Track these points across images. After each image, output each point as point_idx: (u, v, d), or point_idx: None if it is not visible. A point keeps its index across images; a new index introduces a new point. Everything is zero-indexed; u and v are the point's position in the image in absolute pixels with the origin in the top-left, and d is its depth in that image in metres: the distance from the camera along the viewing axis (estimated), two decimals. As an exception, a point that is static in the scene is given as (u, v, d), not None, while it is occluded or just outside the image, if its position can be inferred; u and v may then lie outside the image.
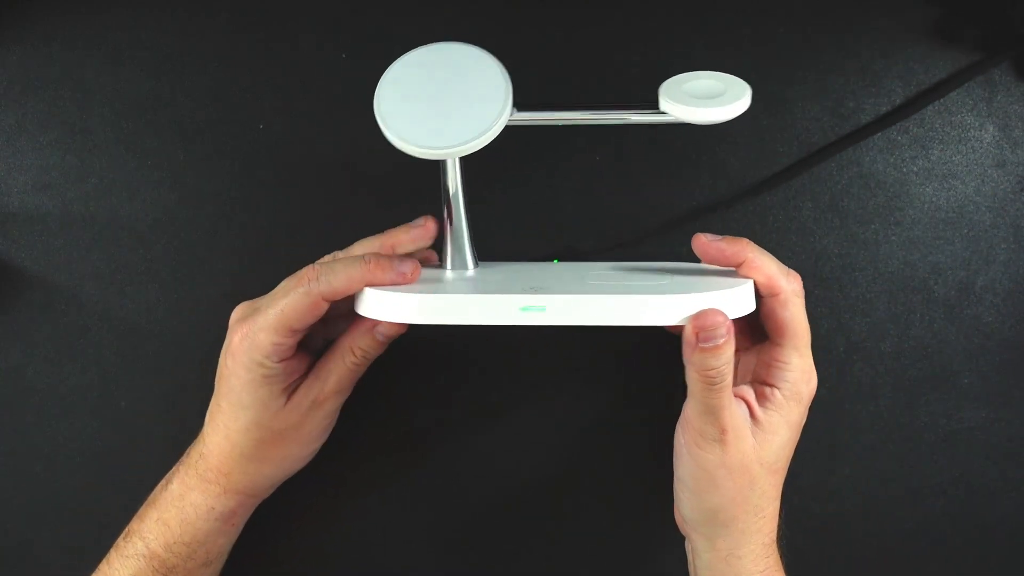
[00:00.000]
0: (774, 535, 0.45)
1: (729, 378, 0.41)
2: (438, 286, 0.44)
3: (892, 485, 0.53)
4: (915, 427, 0.53)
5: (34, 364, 0.53)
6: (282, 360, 0.44)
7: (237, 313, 0.46)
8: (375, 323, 0.45)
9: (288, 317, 0.43)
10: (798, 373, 0.44)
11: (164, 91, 0.52)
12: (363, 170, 0.52)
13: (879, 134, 0.52)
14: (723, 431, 0.42)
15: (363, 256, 0.43)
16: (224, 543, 0.48)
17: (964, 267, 0.52)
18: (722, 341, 0.40)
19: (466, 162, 0.46)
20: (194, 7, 0.52)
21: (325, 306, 0.43)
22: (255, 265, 0.52)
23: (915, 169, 0.52)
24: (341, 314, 0.46)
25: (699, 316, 0.40)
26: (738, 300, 0.42)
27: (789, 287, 0.44)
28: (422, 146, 0.42)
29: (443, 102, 0.42)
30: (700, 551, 0.45)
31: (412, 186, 0.52)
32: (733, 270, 0.46)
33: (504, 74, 0.43)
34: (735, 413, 0.43)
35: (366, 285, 0.43)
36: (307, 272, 0.43)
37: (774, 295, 0.44)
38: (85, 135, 0.52)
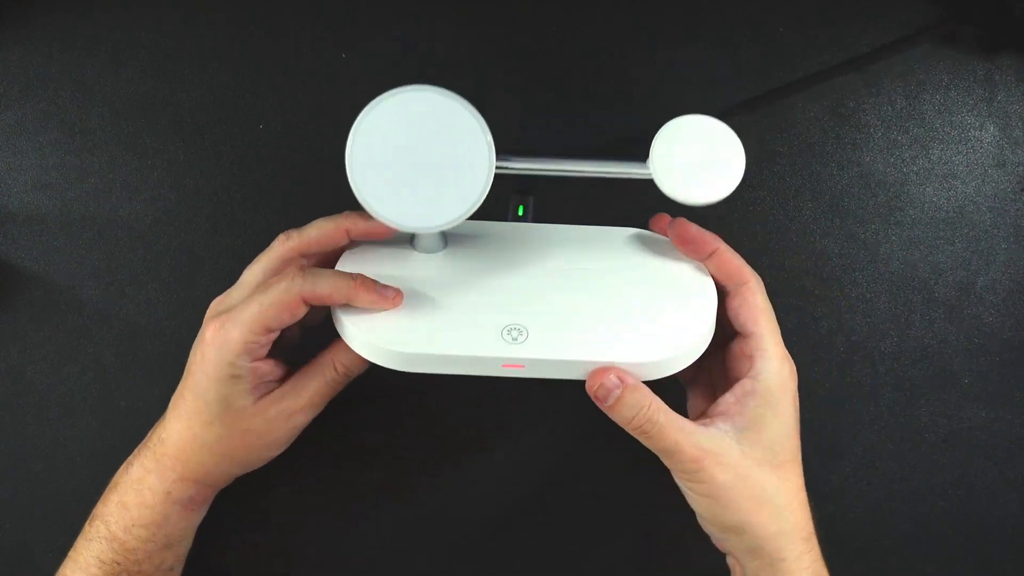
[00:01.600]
0: (810, 528, 0.44)
1: (660, 417, 0.42)
2: (414, 313, 0.43)
3: (892, 485, 0.53)
4: (915, 427, 0.53)
5: (34, 364, 0.53)
6: (253, 361, 0.43)
7: (212, 307, 0.45)
8: None
9: (265, 315, 0.42)
10: (776, 361, 0.43)
11: (164, 91, 0.52)
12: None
13: (879, 134, 0.52)
14: (696, 461, 0.42)
15: (351, 274, 0.43)
16: (185, 527, 0.47)
17: (964, 267, 0.52)
18: (619, 393, 0.42)
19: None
20: (194, 7, 0.52)
21: (304, 309, 0.43)
22: (255, 265, 0.52)
23: (915, 169, 0.52)
24: (315, 325, 0.46)
25: (591, 377, 0.42)
26: (696, 338, 0.43)
27: (754, 276, 0.45)
28: (402, 224, 0.41)
29: (421, 169, 0.40)
30: (744, 565, 0.44)
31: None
32: (699, 271, 0.46)
33: (485, 133, 0.40)
34: (700, 439, 0.42)
35: (348, 302, 0.43)
36: (291, 271, 0.43)
37: (743, 283, 0.44)
38: (85, 135, 0.52)
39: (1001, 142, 0.52)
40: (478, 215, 0.46)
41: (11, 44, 0.52)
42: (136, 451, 0.47)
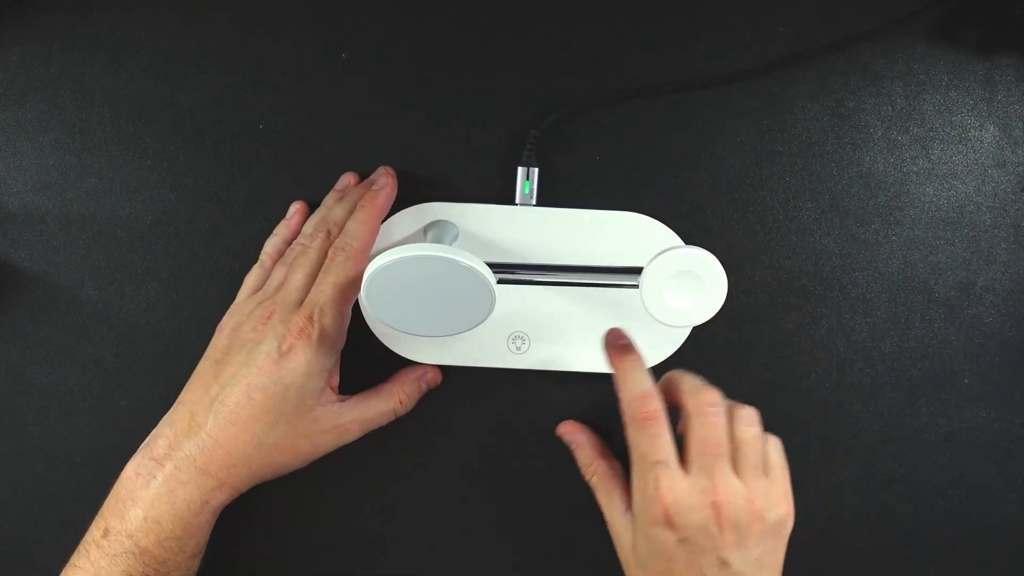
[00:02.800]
0: None
1: (594, 479, 0.49)
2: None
3: (892, 485, 0.53)
4: (915, 427, 0.53)
5: (34, 364, 0.53)
6: (335, 358, 0.47)
7: (264, 310, 0.46)
8: (423, 371, 0.51)
9: (342, 286, 0.46)
10: (638, 495, 0.45)
11: (164, 91, 0.52)
12: (362, 170, 0.52)
13: (879, 134, 0.52)
14: (610, 527, 0.48)
15: (357, 204, 0.48)
16: (208, 532, 0.48)
17: (964, 267, 0.52)
18: (573, 448, 0.51)
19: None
20: (194, 7, 0.52)
21: (363, 264, 0.46)
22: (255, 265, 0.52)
23: (915, 169, 0.52)
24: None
25: (559, 427, 0.52)
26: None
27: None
28: (414, 333, 0.45)
29: (430, 302, 0.43)
30: None
31: (412, 187, 0.52)
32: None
33: (489, 281, 0.43)
34: (615, 515, 0.48)
35: (381, 220, 0.49)
36: (334, 248, 0.46)
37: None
38: (85, 135, 0.52)
39: (1001, 142, 0.52)
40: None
41: (11, 44, 0.52)
42: (150, 462, 0.45)
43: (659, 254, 0.43)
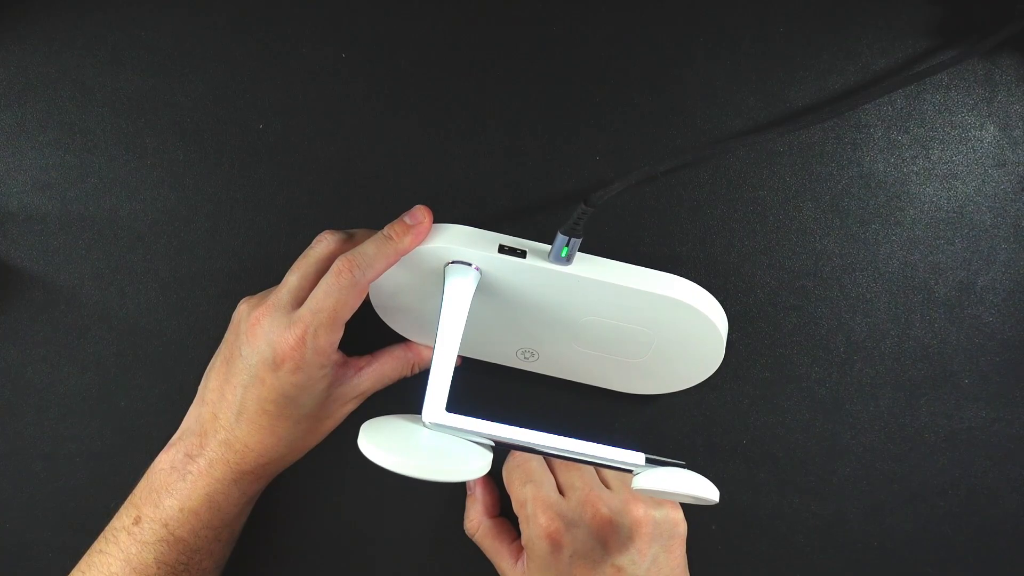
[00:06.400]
0: None
1: (477, 534, 0.50)
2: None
3: (892, 485, 0.53)
4: (915, 427, 0.53)
5: (33, 364, 0.53)
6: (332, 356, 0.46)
7: (265, 310, 0.45)
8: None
9: (341, 313, 0.44)
10: (523, 527, 0.46)
11: (164, 91, 0.52)
12: (363, 170, 0.52)
13: (879, 134, 0.52)
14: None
15: (382, 233, 0.44)
16: (243, 521, 0.49)
17: (964, 267, 0.52)
18: (470, 495, 0.51)
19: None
20: (194, 7, 0.52)
21: (367, 290, 0.45)
22: (255, 265, 0.52)
23: (915, 169, 0.52)
24: None
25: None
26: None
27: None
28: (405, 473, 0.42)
29: (427, 459, 0.42)
30: None
31: (411, 186, 0.52)
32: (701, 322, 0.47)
33: (486, 459, 0.42)
34: (504, 565, 0.49)
35: (399, 257, 0.44)
36: (344, 264, 0.44)
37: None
38: (85, 135, 0.52)
39: (1001, 142, 0.52)
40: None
41: (11, 44, 0.52)
42: (185, 458, 0.46)
43: (638, 476, 0.41)
